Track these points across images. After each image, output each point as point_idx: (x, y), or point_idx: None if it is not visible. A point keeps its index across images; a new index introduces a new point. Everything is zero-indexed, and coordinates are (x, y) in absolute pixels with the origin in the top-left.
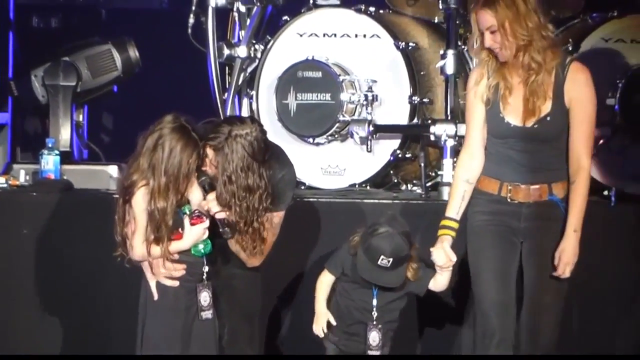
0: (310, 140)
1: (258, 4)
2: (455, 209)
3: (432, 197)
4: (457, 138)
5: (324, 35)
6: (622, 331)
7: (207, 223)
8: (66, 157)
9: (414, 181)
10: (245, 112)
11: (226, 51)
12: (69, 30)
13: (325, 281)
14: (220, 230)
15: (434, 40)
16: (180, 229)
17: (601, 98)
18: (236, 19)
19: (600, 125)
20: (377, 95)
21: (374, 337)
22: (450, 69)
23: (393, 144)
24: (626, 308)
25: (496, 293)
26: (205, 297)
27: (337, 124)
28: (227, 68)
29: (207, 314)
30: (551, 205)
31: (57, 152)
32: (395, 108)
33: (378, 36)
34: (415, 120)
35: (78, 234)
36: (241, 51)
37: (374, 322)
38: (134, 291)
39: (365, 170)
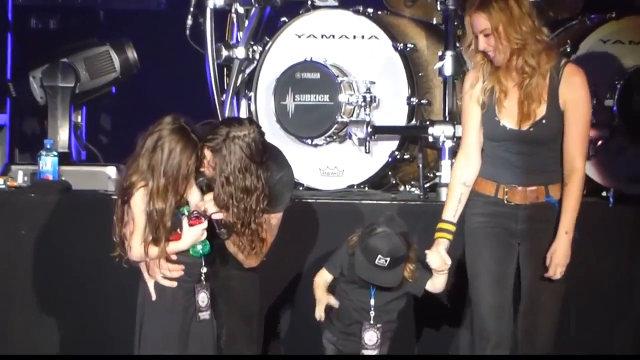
0: (309, 141)
1: (256, 5)
2: (451, 212)
3: (430, 198)
4: (455, 139)
5: (322, 36)
6: (620, 332)
7: (205, 224)
8: (64, 158)
9: (412, 182)
10: (243, 114)
11: (224, 52)
12: (67, 32)
13: (322, 278)
14: (217, 231)
15: (432, 42)
16: (178, 230)
17: (599, 99)
18: (234, 20)
19: (599, 127)
20: (375, 97)
21: (371, 336)
22: (448, 70)
23: (391, 145)
24: (624, 308)
25: (492, 296)
26: (203, 298)
27: (336, 125)
28: (225, 69)
29: (205, 315)
30: (548, 207)
31: (55, 153)
32: (393, 109)
33: (376, 37)
34: (413, 122)
35: (76, 234)
36: (239, 52)
37: (371, 322)
38: (132, 291)
39: (363, 172)
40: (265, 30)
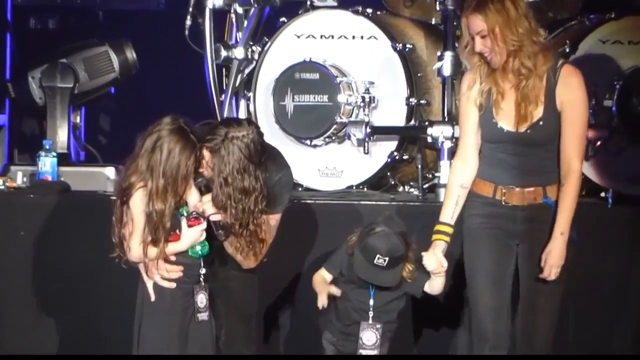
0: (308, 142)
1: (255, 5)
2: (449, 214)
3: (429, 198)
4: (454, 140)
5: (321, 36)
6: (619, 332)
7: (204, 225)
8: (63, 159)
9: (411, 183)
10: (242, 114)
11: (223, 53)
12: (66, 32)
13: (321, 277)
14: (215, 232)
15: (431, 42)
16: (177, 231)
17: (598, 100)
18: (233, 20)
19: (598, 127)
20: (374, 97)
21: (369, 336)
22: (447, 71)
23: (390, 145)
24: (623, 309)
25: (490, 298)
26: (201, 299)
27: (335, 126)
28: (224, 69)
29: (204, 316)
30: (546, 208)
31: (54, 153)
32: (392, 110)
33: (375, 38)
34: (412, 122)
35: (75, 235)
36: (238, 53)
37: (369, 322)
38: (131, 292)
39: (362, 172)
40: (264, 30)
